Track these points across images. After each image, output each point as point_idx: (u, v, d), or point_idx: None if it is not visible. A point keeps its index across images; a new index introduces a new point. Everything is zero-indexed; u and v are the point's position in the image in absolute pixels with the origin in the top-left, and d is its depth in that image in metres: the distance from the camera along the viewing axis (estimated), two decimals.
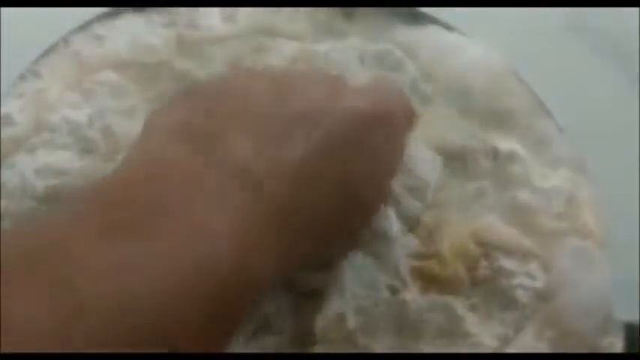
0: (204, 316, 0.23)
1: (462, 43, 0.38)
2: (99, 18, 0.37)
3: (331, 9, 0.39)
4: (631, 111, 0.42)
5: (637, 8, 0.43)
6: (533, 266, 0.33)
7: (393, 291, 0.33)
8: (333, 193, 0.28)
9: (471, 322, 0.32)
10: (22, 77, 0.36)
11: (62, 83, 0.35)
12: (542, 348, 0.33)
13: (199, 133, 0.26)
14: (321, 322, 0.32)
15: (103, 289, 0.21)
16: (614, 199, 0.37)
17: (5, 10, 0.38)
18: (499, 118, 0.37)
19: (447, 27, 0.39)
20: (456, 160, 0.36)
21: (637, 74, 0.43)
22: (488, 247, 0.33)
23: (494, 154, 0.36)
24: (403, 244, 0.33)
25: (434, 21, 0.39)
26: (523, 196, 0.35)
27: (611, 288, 0.34)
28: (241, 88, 0.29)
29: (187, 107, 0.28)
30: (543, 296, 0.33)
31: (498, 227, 0.34)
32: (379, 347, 0.32)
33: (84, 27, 0.37)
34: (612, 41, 0.43)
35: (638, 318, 0.34)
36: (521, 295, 0.33)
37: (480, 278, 0.33)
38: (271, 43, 0.38)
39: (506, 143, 0.36)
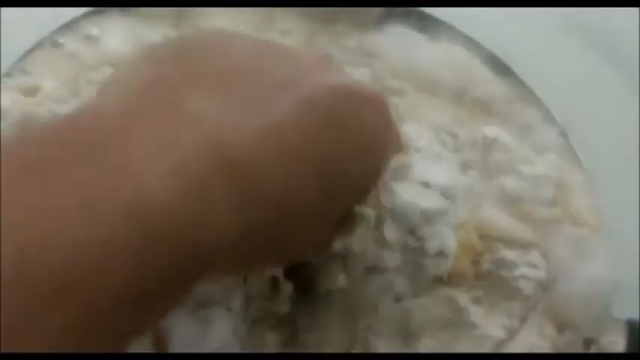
0: (122, 283, 0.19)
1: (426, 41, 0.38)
2: (86, 15, 0.37)
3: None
4: (629, 109, 0.42)
5: (634, 8, 0.43)
6: (535, 255, 0.33)
7: (398, 299, 0.32)
8: (312, 170, 0.24)
9: (475, 313, 0.32)
10: (8, 75, 0.35)
11: (53, 81, 0.35)
12: (545, 339, 0.33)
13: (164, 83, 0.23)
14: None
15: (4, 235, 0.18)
16: (614, 198, 0.37)
17: None
18: (477, 107, 0.37)
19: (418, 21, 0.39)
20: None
21: (634, 73, 0.43)
22: (490, 240, 0.33)
23: (481, 142, 0.35)
24: None
25: (406, 18, 0.39)
26: (511, 183, 0.35)
27: (609, 275, 0.34)
28: (220, 47, 0.25)
29: (157, 58, 0.25)
30: (545, 285, 0.33)
31: (498, 218, 0.34)
32: (383, 346, 0.31)
33: (71, 25, 0.36)
34: (610, 40, 0.43)
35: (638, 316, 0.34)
36: (524, 285, 0.32)
37: (483, 271, 0.32)
38: None
39: (490, 130, 0.36)
